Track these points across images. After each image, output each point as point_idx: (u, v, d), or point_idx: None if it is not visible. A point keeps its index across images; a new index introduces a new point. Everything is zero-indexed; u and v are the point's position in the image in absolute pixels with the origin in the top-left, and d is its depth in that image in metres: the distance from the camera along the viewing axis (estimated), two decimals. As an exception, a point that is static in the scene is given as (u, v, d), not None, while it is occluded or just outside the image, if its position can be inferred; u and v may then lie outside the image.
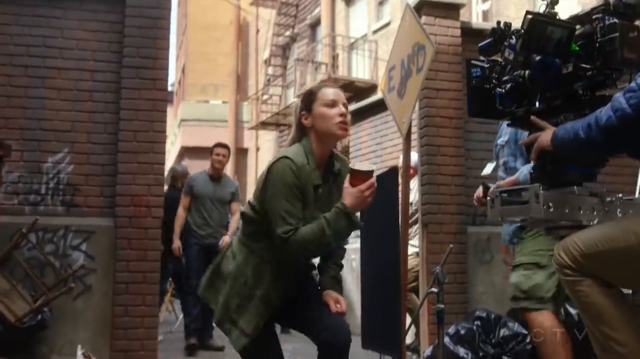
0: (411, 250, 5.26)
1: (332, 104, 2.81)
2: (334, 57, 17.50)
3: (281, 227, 2.64)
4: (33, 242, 4.91)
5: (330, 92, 2.85)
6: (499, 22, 2.48)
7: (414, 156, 5.56)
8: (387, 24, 15.98)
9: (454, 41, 5.76)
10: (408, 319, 4.74)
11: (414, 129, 5.32)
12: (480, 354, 4.11)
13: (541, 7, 2.36)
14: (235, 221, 6.72)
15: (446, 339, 4.13)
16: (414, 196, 5.76)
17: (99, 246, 5.10)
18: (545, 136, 2.29)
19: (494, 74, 2.47)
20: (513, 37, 2.29)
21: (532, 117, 2.38)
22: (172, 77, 36.26)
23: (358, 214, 2.81)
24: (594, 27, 2.21)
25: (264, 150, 23.09)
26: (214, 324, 6.73)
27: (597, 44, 2.19)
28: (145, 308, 5.05)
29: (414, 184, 5.77)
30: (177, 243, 6.67)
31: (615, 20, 2.16)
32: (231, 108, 24.71)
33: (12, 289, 4.64)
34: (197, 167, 9.43)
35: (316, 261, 3.07)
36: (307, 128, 2.84)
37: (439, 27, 5.71)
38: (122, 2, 5.33)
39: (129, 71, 5.25)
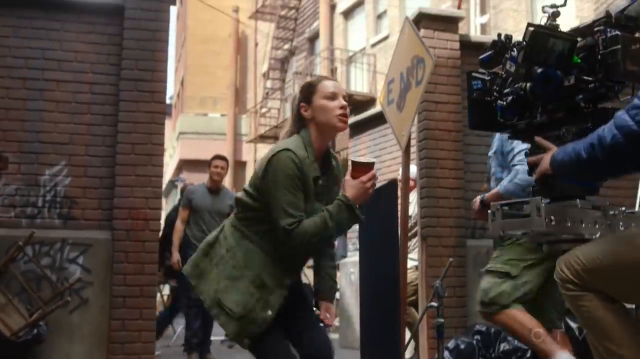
0: (410, 263, 5.23)
1: (333, 96, 2.79)
2: (333, 71, 17.53)
3: (284, 220, 2.60)
4: (29, 255, 4.87)
5: (330, 85, 2.84)
6: (499, 35, 2.48)
7: (413, 169, 5.55)
8: (386, 38, 16.02)
9: (453, 54, 5.76)
10: (407, 334, 4.70)
11: (413, 142, 5.30)
12: (481, 369, 4.08)
13: (542, 19, 2.35)
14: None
15: (446, 354, 4.10)
16: (413, 209, 5.74)
17: (96, 259, 5.06)
18: (547, 159, 2.27)
19: (494, 87, 2.46)
20: (514, 49, 2.28)
21: (537, 138, 2.35)
22: (171, 90, 36.34)
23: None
24: (596, 39, 2.21)
25: (262, 163, 22.98)
26: (211, 338, 6.73)
27: (599, 57, 2.19)
28: (142, 322, 5.00)
29: (413, 197, 5.75)
30: (176, 256, 6.63)
31: (618, 32, 2.15)
32: (230, 121, 24.73)
33: (8, 303, 4.60)
34: (196, 180, 9.40)
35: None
36: (306, 120, 2.81)
37: (437, 40, 5.71)
38: (120, 15, 5.32)
39: (128, 84, 5.24)
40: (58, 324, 4.83)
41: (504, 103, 2.40)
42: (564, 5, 2.38)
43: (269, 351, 2.72)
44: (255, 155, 23.55)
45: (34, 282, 4.86)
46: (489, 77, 2.49)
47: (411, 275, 5.35)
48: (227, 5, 23.66)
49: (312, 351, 2.74)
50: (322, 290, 3.02)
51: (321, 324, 2.89)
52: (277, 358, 2.71)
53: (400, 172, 4.43)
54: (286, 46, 21.42)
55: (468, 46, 5.79)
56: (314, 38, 19.90)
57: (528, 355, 4.04)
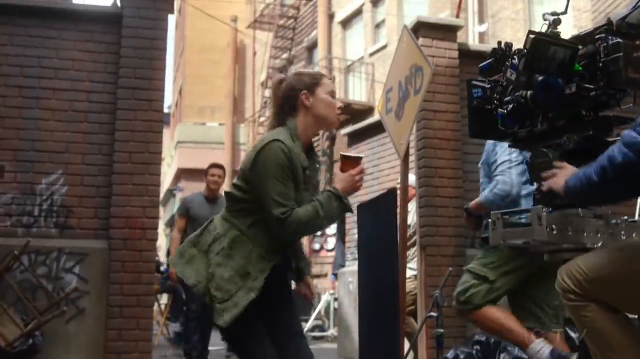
0: (409, 273, 5.20)
1: (332, 94, 2.92)
2: (331, 80, 17.54)
3: (277, 209, 2.65)
4: (25, 264, 4.84)
5: (331, 84, 2.98)
6: (499, 43, 2.46)
7: (412, 178, 5.52)
8: (384, 47, 16.04)
9: (452, 63, 5.74)
10: (406, 344, 4.66)
11: (412, 150, 5.28)
12: (481, 379, 4.04)
13: (543, 27, 2.33)
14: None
15: (445, 364, 4.06)
16: (412, 218, 5.71)
17: (93, 268, 5.02)
18: (559, 181, 2.24)
19: (495, 95, 2.44)
20: (515, 57, 2.26)
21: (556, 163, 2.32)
22: (169, 99, 36.36)
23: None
24: (597, 47, 2.19)
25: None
26: (209, 349, 6.69)
27: (601, 64, 2.17)
28: (139, 332, 4.96)
29: (412, 206, 5.72)
30: (173, 268, 6.58)
31: (619, 39, 2.13)
32: (228, 130, 24.71)
33: (3, 313, 4.56)
34: (194, 189, 9.37)
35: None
36: (299, 109, 2.85)
37: (436, 48, 5.69)
38: (118, 23, 5.31)
39: (125, 92, 5.21)
40: (54, 334, 4.79)
41: (505, 111, 2.38)
42: (565, 12, 2.36)
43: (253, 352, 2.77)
44: (253, 164, 23.48)
45: (29, 291, 4.82)
46: (489, 85, 2.47)
47: (410, 285, 5.32)
48: (225, 14, 23.71)
49: None
50: (300, 268, 3.07)
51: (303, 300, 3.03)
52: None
53: (399, 181, 4.40)
54: (284, 55, 21.44)
55: (467, 55, 5.78)
56: (312, 47, 19.93)
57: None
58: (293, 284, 3.15)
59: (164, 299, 9.99)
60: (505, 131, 2.42)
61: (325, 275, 14.78)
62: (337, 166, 2.83)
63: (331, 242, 15.17)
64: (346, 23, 18.46)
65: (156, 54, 5.31)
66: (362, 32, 17.54)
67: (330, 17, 18.78)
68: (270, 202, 2.66)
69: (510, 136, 2.45)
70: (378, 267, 4.03)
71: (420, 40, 5.52)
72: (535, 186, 2.42)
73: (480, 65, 2.51)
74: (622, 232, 2.36)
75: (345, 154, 2.86)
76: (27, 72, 5.19)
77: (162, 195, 23.90)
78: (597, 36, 2.21)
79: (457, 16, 6.49)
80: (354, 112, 15.82)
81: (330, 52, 18.38)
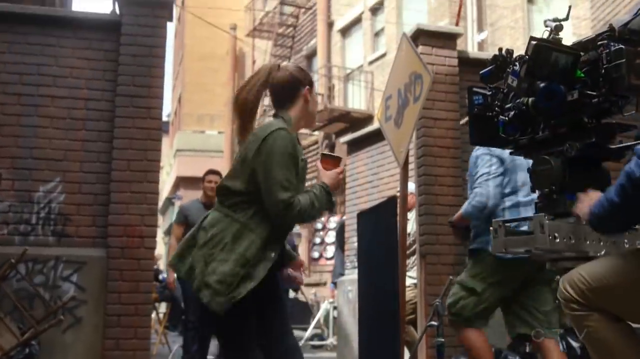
0: (409, 281, 5.17)
1: None
2: (330, 88, 17.54)
3: (283, 194, 2.69)
4: (22, 273, 4.80)
5: None
6: (500, 49, 2.44)
7: (412, 186, 5.50)
8: (383, 55, 16.04)
9: (451, 71, 5.73)
10: (406, 353, 4.63)
11: (411, 158, 5.26)
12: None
13: (544, 33, 2.31)
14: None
15: (446, 374, 4.03)
16: (412, 226, 5.68)
17: (90, 277, 4.98)
18: (584, 208, 2.20)
19: (496, 102, 2.42)
20: (517, 63, 2.24)
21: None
22: (169, 107, 36.37)
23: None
24: (599, 53, 2.17)
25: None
26: (208, 358, 6.64)
27: (603, 71, 2.15)
28: (137, 341, 4.92)
29: (412, 214, 5.70)
30: (172, 275, 6.54)
31: (622, 46, 2.12)
32: (227, 138, 24.70)
33: (0, 322, 4.52)
34: (193, 198, 9.32)
35: None
36: (295, 103, 2.91)
37: (435, 56, 5.68)
38: (117, 31, 5.29)
39: (124, 100, 5.19)
40: (51, 343, 4.75)
41: (506, 118, 2.36)
42: (567, 19, 2.34)
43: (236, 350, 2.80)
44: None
45: (26, 300, 4.78)
46: (490, 92, 2.45)
47: (409, 293, 5.29)
48: (224, 22, 23.73)
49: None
50: (285, 254, 3.08)
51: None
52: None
53: (398, 189, 4.38)
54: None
55: (466, 62, 5.76)
56: (311, 56, 19.94)
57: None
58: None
59: (162, 308, 9.93)
60: (507, 138, 2.40)
61: (325, 284, 14.73)
62: (318, 163, 2.95)
63: (330, 250, 15.12)
64: (345, 31, 18.47)
65: (155, 62, 5.30)
66: (361, 40, 17.54)
67: (330, 25, 18.79)
68: (276, 187, 2.69)
69: (512, 143, 2.44)
70: (378, 275, 4.01)
71: (420, 48, 5.51)
72: (537, 193, 2.39)
73: (481, 72, 2.49)
74: (625, 241, 2.33)
75: (326, 153, 2.97)
76: (25, 80, 5.17)
77: (161, 203, 23.89)
78: (599, 42, 2.19)
79: (457, 24, 6.48)
80: (353, 121, 15.81)
81: (329, 60, 18.38)
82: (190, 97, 29.24)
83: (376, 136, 7.59)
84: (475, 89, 2.48)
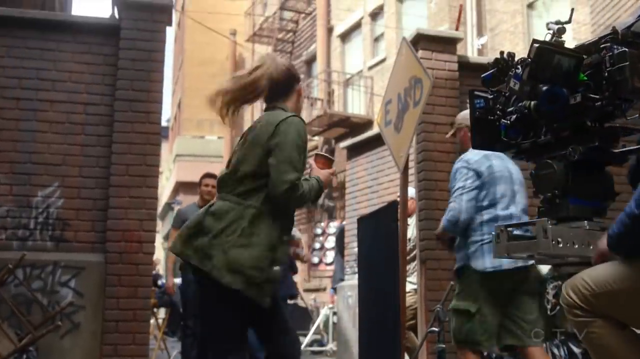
0: (409, 287, 5.14)
1: None
2: (330, 93, 17.53)
3: (291, 174, 2.78)
4: (20, 278, 4.77)
5: None
6: (502, 53, 2.42)
7: (412, 191, 5.48)
8: (383, 60, 16.04)
9: (452, 75, 5.71)
10: (407, 359, 4.60)
11: (411, 163, 5.24)
12: (482, 395, 3.98)
13: (547, 36, 2.29)
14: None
15: (447, 381, 4.00)
16: (412, 231, 5.66)
17: (89, 282, 4.95)
18: (601, 243, 2.16)
19: (498, 105, 2.40)
20: (519, 66, 2.22)
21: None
22: (168, 112, 36.38)
23: None
24: (602, 56, 2.15)
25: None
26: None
27: (606, 74, 2.12)
28: (135, 347, 4.89)
29: (412, 220, 5.67)
30: (171, 281, 6.51)
31: (625, 49, 2.09)
32: (227, 144, 24.68)
33: (-3, 327, 4.49)
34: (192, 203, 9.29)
35: None
36: (289, 98, 3.04)
37: (435, 61, 5.66)
38: (116, 35, 5.28)
39: (123, 104, 5.18)
40: (48, 349, 4.72)
41: (508, 122, 2.34)
42: (569, 22, 2.32)
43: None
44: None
45: (24, 306, 4.76)
46: (492, 96, 2.43)
47: (410, 299, 5.26)
48: (224, 28, 23.73)
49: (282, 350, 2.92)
50: None
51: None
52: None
53: (398, 194, 4.36)
54: (283, 69, 21.41)
55: (467, 67, 5.75)
56: (311, 61, 19.93)
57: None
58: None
59: (161, 313, 9.89)
60: (509, 141, 2.38)
61: (324, 289, 14.69)
62: (311, 161, 3.06)
63: (330, 255, 15.09)
64: (345, 36, 18.47)
65: (154, 66, 5.28)
66: (361, 45, 17.54)
67: (329, 30, 18.79)
68: (287, 166, 2.78)
69: (514, 147, 2.41)
70: (378, 280, 3.99)
71: (420, 53, 5.50)
72: (541, 197, 2.36)
73: (483, 75, 2.47)
74: (629, 246, 2.30)
75: (321, 153, 3.08)
76: (24, 84, 5.16)
77: (160, 208, 23.84)
78: (602, 45, 2.17)
79: (457, 29, 6.46)
80: (352, 126, 15.79)
81: (329, 65, 18.38)
82: (189, 102, 29.22)
83: (376, 141, 7.57)
84: (476, 93, 2.46)
